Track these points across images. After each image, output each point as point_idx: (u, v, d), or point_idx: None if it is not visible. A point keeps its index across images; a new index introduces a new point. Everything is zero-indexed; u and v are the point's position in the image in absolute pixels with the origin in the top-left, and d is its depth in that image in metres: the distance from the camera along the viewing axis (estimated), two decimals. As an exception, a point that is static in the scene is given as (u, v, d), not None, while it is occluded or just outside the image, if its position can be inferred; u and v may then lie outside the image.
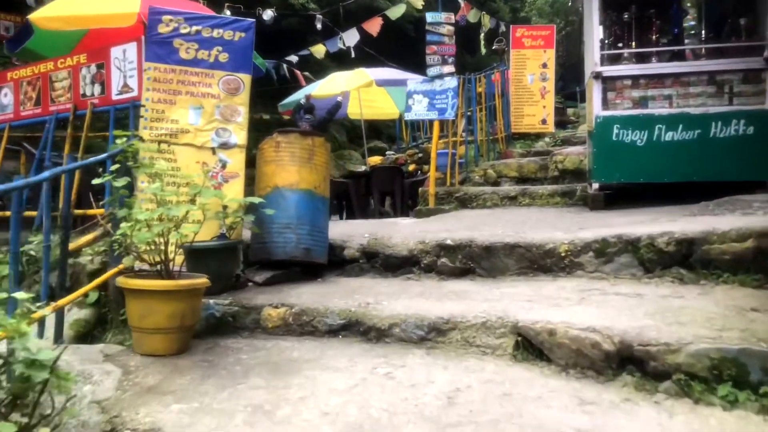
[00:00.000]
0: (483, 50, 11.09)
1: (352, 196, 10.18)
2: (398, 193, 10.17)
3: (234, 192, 4.05)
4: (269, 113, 15.70)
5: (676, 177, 5.52)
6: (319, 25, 10.79)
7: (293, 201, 4.31)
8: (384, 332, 3.08)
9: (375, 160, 13.77)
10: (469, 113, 8.52)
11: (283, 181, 4.33)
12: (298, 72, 11.58)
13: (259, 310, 3.45)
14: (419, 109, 7.25)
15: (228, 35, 4.11)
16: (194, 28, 4.05)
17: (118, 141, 3.22)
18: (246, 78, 4.15)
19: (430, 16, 6.98)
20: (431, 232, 4.72)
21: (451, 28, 7.02)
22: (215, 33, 4.09)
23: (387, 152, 15.30)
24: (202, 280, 3.07)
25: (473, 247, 4.09)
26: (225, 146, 4.10)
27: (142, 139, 3.95)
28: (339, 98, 9.93)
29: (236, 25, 4.13)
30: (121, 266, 3.25)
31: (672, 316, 2.66)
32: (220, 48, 4.09)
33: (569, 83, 19.60)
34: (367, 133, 18.18)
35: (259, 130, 17.61)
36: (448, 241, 4.22)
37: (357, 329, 3.18)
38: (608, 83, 5.77)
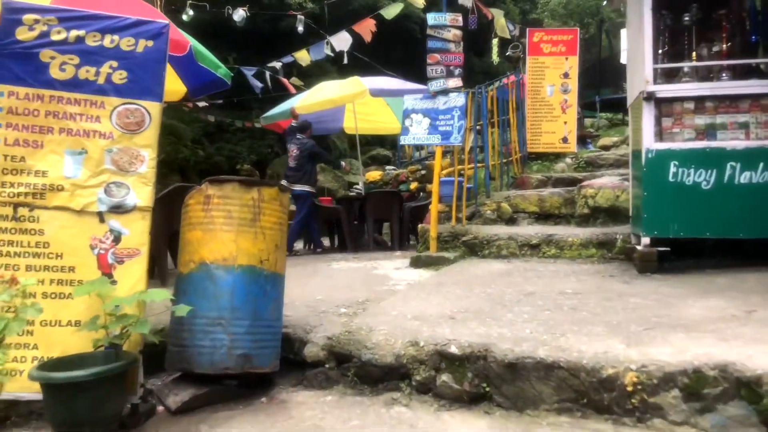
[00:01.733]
0: (496, 58, 9.65)
1: (344, 224, 8.83)
2: (396, 221, 8.83)
3: (132, 279, 2.71)
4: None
5: (754, 232, 4.19)
6: (300, 28, 9.41)
7: (227, 285, 2.96)
8: None
9: (374, 175, 12.36)
10: (478, 127, 7.15)
11: (213, 255, 2.99)
12: (284, 80, 10.22)
13: (139, 500, 2.11)
14: (418, 132, 5.86)
15: (127, 44, 2.75)
16: (74, 33, 2.70)
17: None
18: (154, 107, 2.79)
19: (431, 18, 5.56)
20: (428, 318, 3.36)
21: (459, 32, 5.62)
22: (107, 41, 2.74)
23: (387, 167, 13.96)
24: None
25: (489, 362, 2.75)
26: (119, 210, 2.74)
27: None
28: (343, 164, 9.88)
29: (140, 30, 2.77)
30: None
31: None
32: (115, 63, 2.73)
33: (587, 90, 18.15)
34: (369, 139, 16.78)
35: (254, 138, 16.26)
36: (452, 348, 2.87)
37: None
38: (663, 107, 4.41)
